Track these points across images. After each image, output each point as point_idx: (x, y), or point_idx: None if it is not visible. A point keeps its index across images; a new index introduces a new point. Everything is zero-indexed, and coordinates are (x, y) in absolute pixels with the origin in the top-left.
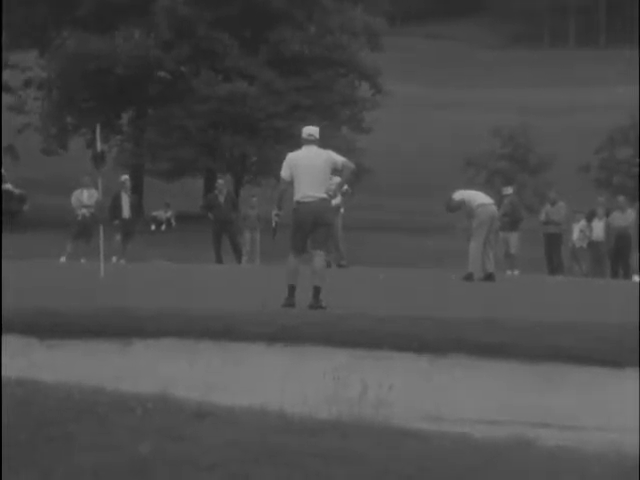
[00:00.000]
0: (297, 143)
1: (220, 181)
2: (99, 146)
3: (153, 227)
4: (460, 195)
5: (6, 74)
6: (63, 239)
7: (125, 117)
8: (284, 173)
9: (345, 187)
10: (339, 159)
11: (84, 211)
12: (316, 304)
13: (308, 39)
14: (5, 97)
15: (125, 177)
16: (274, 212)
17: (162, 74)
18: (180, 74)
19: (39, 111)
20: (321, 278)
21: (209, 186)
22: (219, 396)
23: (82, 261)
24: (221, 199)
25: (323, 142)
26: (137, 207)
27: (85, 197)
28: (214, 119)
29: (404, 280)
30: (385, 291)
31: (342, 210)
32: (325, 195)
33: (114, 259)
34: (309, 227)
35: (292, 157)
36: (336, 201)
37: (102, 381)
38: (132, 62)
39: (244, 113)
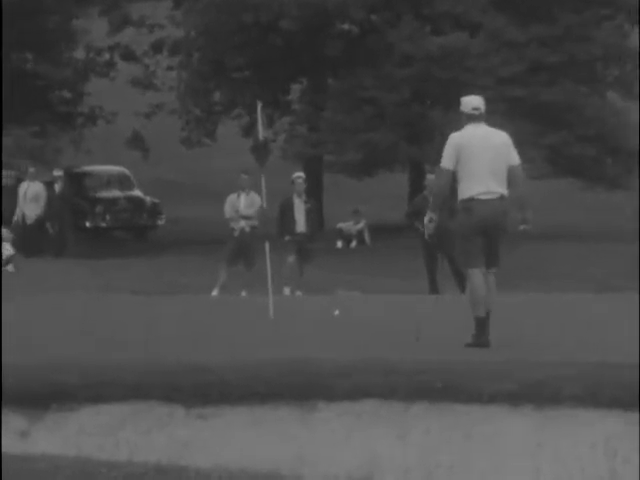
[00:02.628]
0: (543, 117)
1: (431, 176)
2: (261, 133)
3: (339, 244)
4: None
5: (127, 34)
6: (214, 264)
7: (295, 90)
8: (447, 161)
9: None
10: (515, 153)
11: (242, 224)
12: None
13: None
14: (127, 67)
15: (298, 175)
16: (427, 217)
17: (346, 27)
18: (371, 26)
19: (175, 85)
20: (492, 304)
21: (416, 185)
22: None
23: (242, 294)
24: None
25: (580, 113)
26: (316, 217)
27: (243, 204)
28: (420, 88)
29: None
30: None
31: None
32: (506, 191)
33: (287, 291)
34: (482, 234)
35: (458, 139)
36: None
37: (277, 463)
38: (303, 12)
39: (463, 78)
